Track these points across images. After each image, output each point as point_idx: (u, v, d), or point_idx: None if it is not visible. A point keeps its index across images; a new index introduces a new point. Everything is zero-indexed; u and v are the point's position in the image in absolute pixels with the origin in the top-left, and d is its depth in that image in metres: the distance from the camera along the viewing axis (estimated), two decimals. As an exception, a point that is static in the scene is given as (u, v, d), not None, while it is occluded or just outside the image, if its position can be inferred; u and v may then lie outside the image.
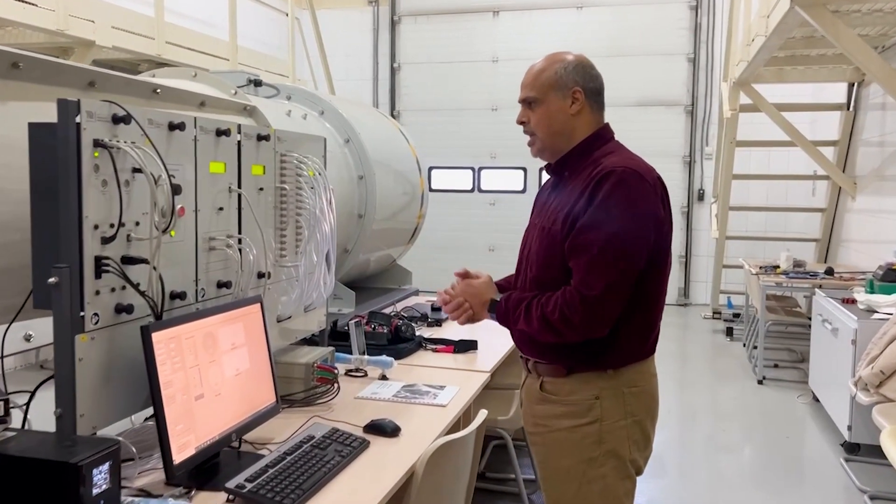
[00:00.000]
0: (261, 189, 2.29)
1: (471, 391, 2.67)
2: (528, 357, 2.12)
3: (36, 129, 1.57)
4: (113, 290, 1.66)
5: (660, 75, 9.50)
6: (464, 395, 2.61)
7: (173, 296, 1.87)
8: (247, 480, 1.72)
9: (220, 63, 6.74)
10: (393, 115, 10.36)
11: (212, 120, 2.03)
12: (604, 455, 1.96)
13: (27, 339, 1.90)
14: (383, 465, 1.97)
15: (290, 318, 2.51)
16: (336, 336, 3.18)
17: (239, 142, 2.17)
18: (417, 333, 3.34)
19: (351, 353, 2.87)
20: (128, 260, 1.68)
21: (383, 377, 2.78)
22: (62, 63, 2.13)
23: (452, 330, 3.68)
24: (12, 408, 1.56)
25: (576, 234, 1.89)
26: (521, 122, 2.07)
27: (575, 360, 1.98)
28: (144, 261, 1.68)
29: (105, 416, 1.67)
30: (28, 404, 1.71)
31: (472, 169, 10.35)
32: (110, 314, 1.66)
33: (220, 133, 2.05)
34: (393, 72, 10.46)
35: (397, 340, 3.17)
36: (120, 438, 1.83)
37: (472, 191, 10.44)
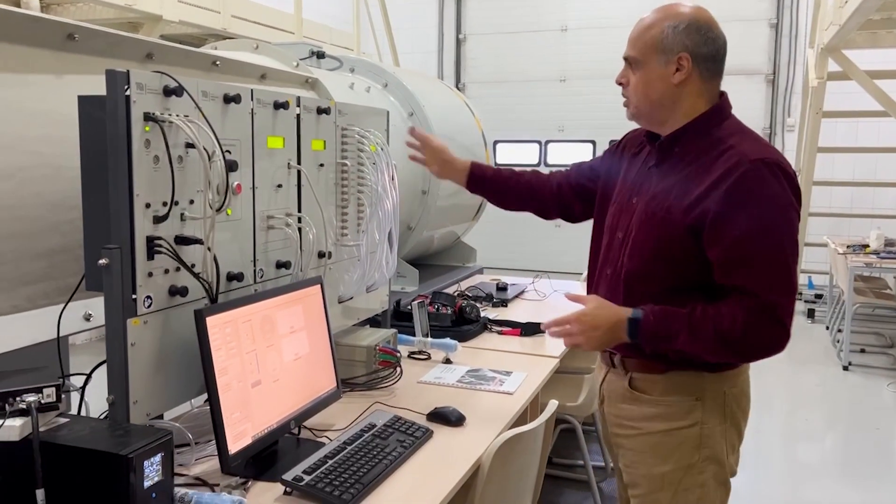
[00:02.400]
0: (321, 165, 2.19)
1: (539, 378, 2.53)
2: (614, 351, 1.91)
3: (85, 102, 1.49)
4: (166, 271, 1.58)
5: (739, 42, 9.01)
6: (532, 382, 2.48)
7: (230, 277, 1.79)
8: (304, 472, 1.64)
9: (285, 36, 6.69)
10: (458, 88, 10.18)
11: (270, 92, 1.93)
12: (703, 461, 1.79)
13: (87, 318, 1.85)
14: (447, 458, 1.86)
15: (351, 298, 2.42)
16: (399, 317, 3.08)
17: (298, 115, 2.07)
18: (482, 315, 3.21)
19: (414, 334, 2.77)
20: (181, 240, 1.61)
21: (447, 361, 2.67)
22: (119, 35, 2.07)
23: (519, 311, 3.55)
24: (66, 391, 1.50)
25: (737, 244, 1.64)
26: (619, 83, 1.84)
27: (677, 359, 1.76)
28: (199, 241, 1.60)
29: (159, 402, 1.60)
30: (84, 388, 1.66)
31: (539, 143, 10.10)
32: (164, 297, 1.59)
33: (279, 106, 1.95)
34: (458, 43, 10.26)
35: (461, 322, 3.05)
36: (176, 424, 1.78)
37: (538, 165, 10.19)
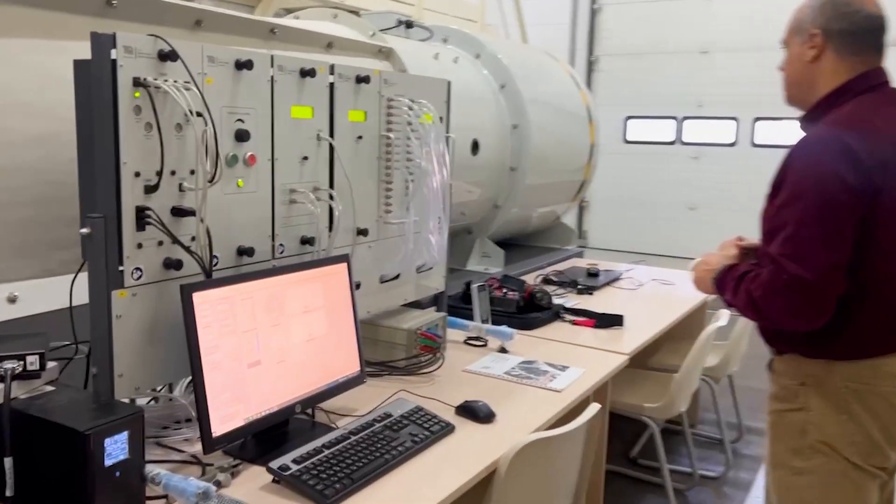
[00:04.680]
0: (359, 137, 2.07)
1: (597, 375, 2.31)
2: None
3: (79, 66, 1.46)
4: (160, 243, 1.54)
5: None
6: (587, 379, 2.27)
7: (241, 251, 1.73)
8: (294, 461, 1.55)
9: (403, 7, 6.63)
10: (590, 61, 9.77)
11: (294, 59, 1.84)
12: (810, 448, 1.75)
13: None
14: (461, 459, 1.71)
15: (396, 278, 2.30)
16: (468, 299, 2.93)
17: (332, 84, 1.96)
18: (558, 302, 3.01)
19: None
20: (178, 211, 1.55)
21: (502, 350, 2.50)
22: (160, 2, 2.04)
23: (602, 300, 3.30)
24: (54, 360, 1.49)
25: (774, 214, 1.69)
26: (781, 70, 1.90)
27: (784, 341, 1.80)
28: (192, 213, 1.54)
29: (150, 377, 1.57)
30: (88, 357, 1.65)
31: (675, 119, 9.48)
32: (157, 270, 1.54)
33: (305, 74, 1.85)
34: (592, 14, 9.80)
35: (531, 308, 2.86)
36: (181, 400, 1.75)
37: (673, 143, 9.58)
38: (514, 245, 4.34)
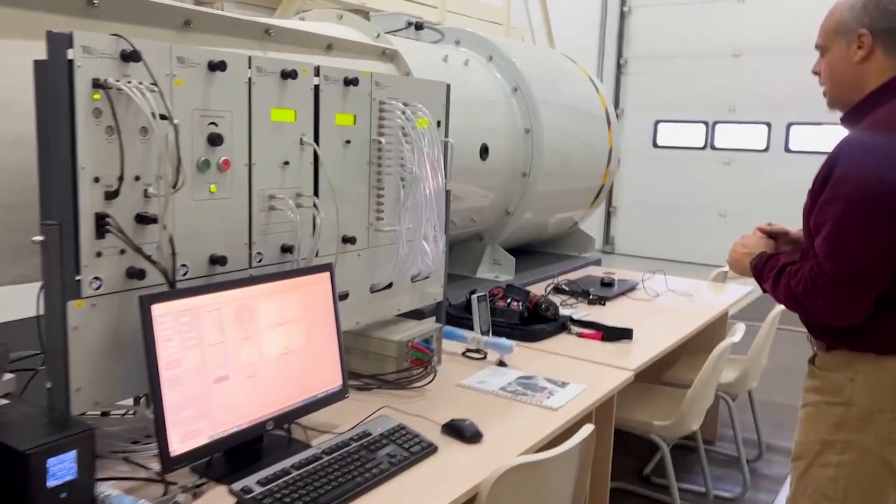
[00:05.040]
0: (347, 142, 1.99)
1: (599, 393, 2.20)
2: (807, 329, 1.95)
3: (37, 67, 1.40)
4: (123, 251, 1.47)
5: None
6: (587, 397, 2.15)
7: (213, 260, 1.66)
8: (259, 483, 1.48)
9: (426, 10, 6.57)
10: (619, 64, 9.61)
11: (275, 60, 1.76)
12: (844, 443, 1.76)
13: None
14: (440, 483, 1.62)
15: (389, 287, 2.22)
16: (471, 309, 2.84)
17: (316, 86, 1.88)
18: (565, 313, 2.89)
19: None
20: (142, 218, 1.48)
21: (501, 363, 2.40)
22: (147, 1, 1.99)
23: (614, 312, 3.17)
24: (17, 370, 1.43)
25: (816, 212, 1.72)
26: (815, 73, 1.89)
27: (834, 336, 1.79)
28: (154, 220, 1.47)
29: (111, 391, 1.50)
30: (35, 371, 1.59)
31: (706, 123, 9.28)
32: (119, 279, 1.48)
33: (287, 75, 1.77)
34: (622, 16, 9.64)
35: (536, 320, 2.75)
36: (148, 414, 1.68)
37: (703, 148, 9.38)
38: (529, 252, 4.23)
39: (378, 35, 2.92)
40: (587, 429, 1.82)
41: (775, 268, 1.80)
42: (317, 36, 2.52)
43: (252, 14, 6.17)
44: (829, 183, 1.68)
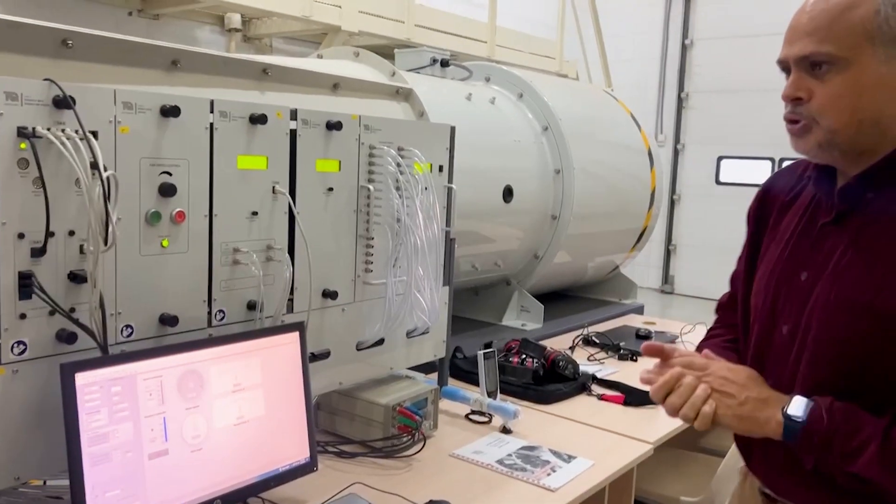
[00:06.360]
0: (329, 189, 1.85)
1: (608, 470, 1.96)
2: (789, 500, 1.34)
3: (-36, 116, 1.30)
4: (52, 313, 1.35)
5: None
6: (594, 475, 1.93)
7: (163, 320, 1.53)
8: (188, 575, 1.32)
9: (477, 46, 6.46)
10: (680, 98, 9.28)
11: (241, 104, 1.64)
12: None
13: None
14: (398, 580, 1.43)
15: (379, 344, 2.05)
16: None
17: (293, 131, 1.75)
18: (588, 370, 2.66)
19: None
20: (76, 277, 1.37)
21: (505, 430, 2.19)
22: (127, 41, 1.91)
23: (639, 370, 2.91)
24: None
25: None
26: (794, 98, 1.24)
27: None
28: (84, 279, 1.35)
29: (36, 465, 1.37)
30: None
31: (771, 160, 8.83)
32: (48, 343, 1.36)
33: (255, 120, 1.65)
34: (684, 49, 9.33)
35: (553, 378, 2.53)
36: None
37: (769, 185, 8.91)
38: (565, 297, 4.00)
39: (394, 73, 2.79)
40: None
41: (869, 425, 1.16)
42: (320, 75, 2.40)
43: (302, 49, 6.20)
44: None
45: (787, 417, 1.20)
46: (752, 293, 1.43)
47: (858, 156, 1.24)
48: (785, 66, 1.28)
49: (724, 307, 1.67)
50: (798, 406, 1.20)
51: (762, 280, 1.40)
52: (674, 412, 1.30)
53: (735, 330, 1.52)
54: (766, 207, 1.47)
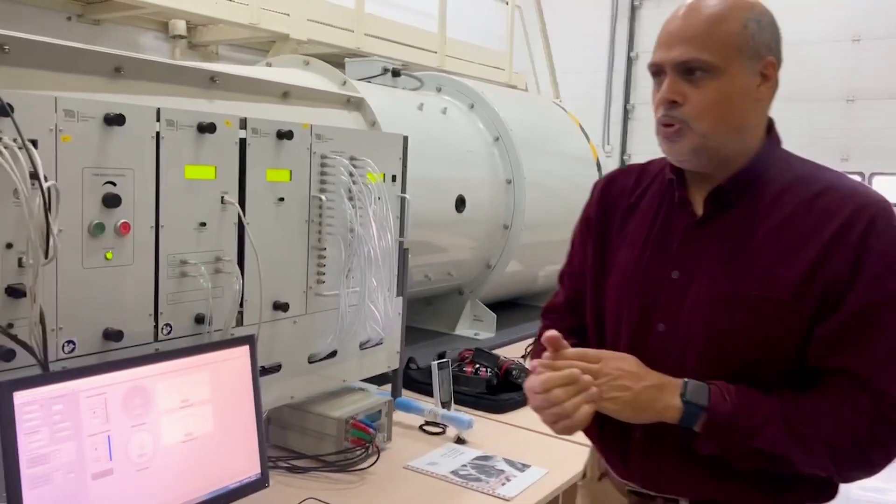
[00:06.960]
0: (280, 199, 1.82)
1: (563, 477, 1.97)
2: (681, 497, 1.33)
3: None
4: (-13, 329, 1.30)
5: None
6: (548, 483, 1.94)
7: (107, 335, 1.48)
8: None
9: (426, 56, 6.47)
10: (626, 109, 9.47)
11: (189, 113, 1.60)
12: None
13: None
14: None
15: (331, 356, 2.02)
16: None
17: (242, 139, 1.72)
18: (540, 379, 2.67)
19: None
20: (13, 291, 1.31)
21: (459, 440, 2.18)
22: (68, 46, 1.85)
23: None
24: None
25: (861, 314, 1.20)
26: (671, 102, 1.26)
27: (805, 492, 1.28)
28: (23, 293, 1.29)
29: (-30, 490, 1.31)
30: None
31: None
32: (-18, 360, 1.30)
33: (204, 129, 1.61)
34: (629, 61, 9.52)
35: (506, 388, 2.54)
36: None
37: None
38: (518, 305, 4.02)
39: (344, 82, 2.77)
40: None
41: (766, 405, 1.22)
42: (270, 83, 2.37)
43: (249, 56, 6.11)
44: (879, 274, 1.20)
45: (688, 403, 1.23)
46: (604, 296, 1.43)
47: (723, 162, 1.30)
48: (657, 70, 1.30)
49: (560, 310, 1.62)
50: (697, 391, 1.23)
51: (620, 281, 1.40)
52: (553, 404, 1.24)
53: (575, 333, 1.48)
54: (609, 211, 1.47)
